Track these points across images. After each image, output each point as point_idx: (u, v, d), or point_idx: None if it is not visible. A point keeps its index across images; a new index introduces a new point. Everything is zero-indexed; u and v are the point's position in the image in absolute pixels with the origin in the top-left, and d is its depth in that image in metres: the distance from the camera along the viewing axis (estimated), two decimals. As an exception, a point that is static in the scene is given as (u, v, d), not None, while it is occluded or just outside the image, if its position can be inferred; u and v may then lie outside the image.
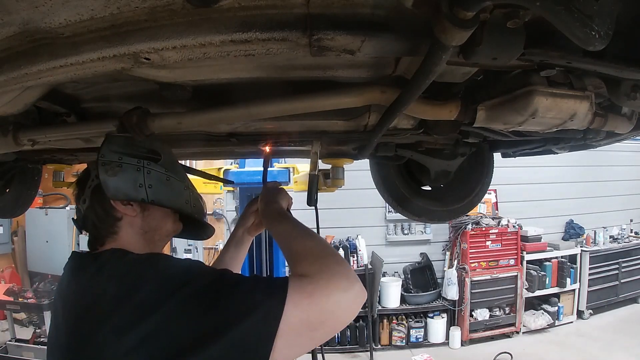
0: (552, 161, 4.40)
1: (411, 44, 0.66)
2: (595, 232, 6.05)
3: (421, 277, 5.51)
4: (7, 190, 1.96)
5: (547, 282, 5.50)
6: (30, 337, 4.43)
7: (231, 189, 3.79)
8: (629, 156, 6.57)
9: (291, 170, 2.74)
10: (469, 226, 5.21)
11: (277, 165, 2.86)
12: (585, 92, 0.89)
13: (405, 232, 5.62)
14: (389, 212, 5.47)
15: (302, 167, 2.69)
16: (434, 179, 1.69)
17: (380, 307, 5.18)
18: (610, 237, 6.21)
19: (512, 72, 0.90)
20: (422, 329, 5.19)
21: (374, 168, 1.95)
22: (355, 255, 5.13)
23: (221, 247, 5.10)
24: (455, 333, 5.14)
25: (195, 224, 1.05)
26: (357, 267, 5.10)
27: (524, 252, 5.38)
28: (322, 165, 1.46)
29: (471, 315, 5.19)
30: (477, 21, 0.51)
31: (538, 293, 5.44)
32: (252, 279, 0.71)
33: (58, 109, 1.10)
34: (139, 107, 0.93)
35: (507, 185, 5.61)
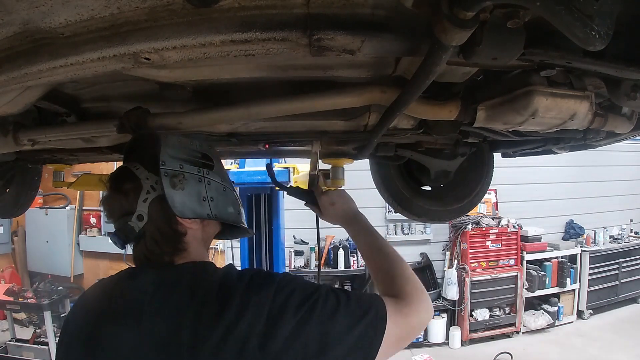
0: (552, 161, 4.39)
1: (411, 44, 0.67)
2: (595, 232, 6.05)
3: (421, 277, 5.44)
4: (7, 190, 1.96)
5: (547, 282, 5.50)
6: (30, 337, 4.44)
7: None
8: (629, 156, 6.57)
9: (291, 170, 2.73)
10: (469, 226, 5.20)
11: (277, 165, 2.86)
12: (585, 92, 0.89)
13: (405, 232, 5.61)
14: (389, 212, 5.46)
15: (302, 167, 2.69)
16: (434, 179, 1.69)
17: (380, 307, 5.17)
18: (610, 237, 6.21)
19: (512, 72, 0.90)
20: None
21: (373, 168, 1.95)
22: (356, 255, 5.11)
23: (221, 247, 5.10)
24: (455, 333, 5.15)
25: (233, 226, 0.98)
26: (357, 267, 5.10)
27: (524, 252, 5.37)
28: (322, 165, 1.46)
29: (471, 315, 5.19)
30: (477, 21, 0.51)
31: (538, 293, 5.44)
32: (353, 293, 0.76)
33: (58, 109, 1.10)
34: (139, 107, 0.93)
35: (507, 185, 5.61)
